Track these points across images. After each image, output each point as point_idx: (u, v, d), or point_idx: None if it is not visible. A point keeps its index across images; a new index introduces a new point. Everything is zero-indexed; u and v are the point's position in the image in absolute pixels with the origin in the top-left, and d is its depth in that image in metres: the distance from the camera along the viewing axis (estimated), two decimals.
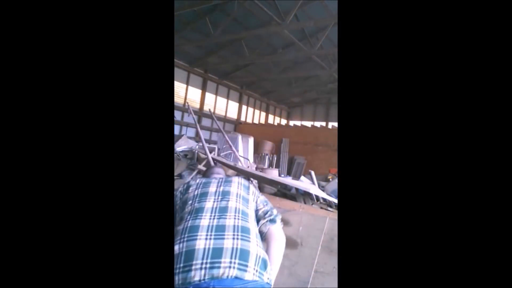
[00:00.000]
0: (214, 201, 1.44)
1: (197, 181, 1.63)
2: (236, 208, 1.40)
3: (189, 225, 1.30)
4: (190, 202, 1.46)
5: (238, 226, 1.30)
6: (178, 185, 1.66)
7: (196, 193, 1.51)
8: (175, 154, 4.95)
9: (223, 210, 1.37)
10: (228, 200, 1.44)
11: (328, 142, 12.96)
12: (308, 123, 17.22)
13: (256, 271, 1.18)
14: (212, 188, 1.53)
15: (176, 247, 1.21)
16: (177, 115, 12.73)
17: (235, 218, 1.34)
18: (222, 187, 1.53)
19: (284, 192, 4.15)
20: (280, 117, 21.07)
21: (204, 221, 1.31)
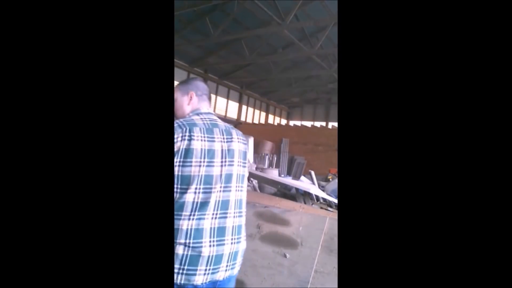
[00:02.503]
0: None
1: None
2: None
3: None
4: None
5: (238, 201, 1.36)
6: None
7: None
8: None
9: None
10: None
11: (328, 142, 12.97)
12: (308, 123, 17.22)
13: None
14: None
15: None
16: None
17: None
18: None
19: (284, 192, 4.15)
20: (280, 117, 21.07)
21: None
